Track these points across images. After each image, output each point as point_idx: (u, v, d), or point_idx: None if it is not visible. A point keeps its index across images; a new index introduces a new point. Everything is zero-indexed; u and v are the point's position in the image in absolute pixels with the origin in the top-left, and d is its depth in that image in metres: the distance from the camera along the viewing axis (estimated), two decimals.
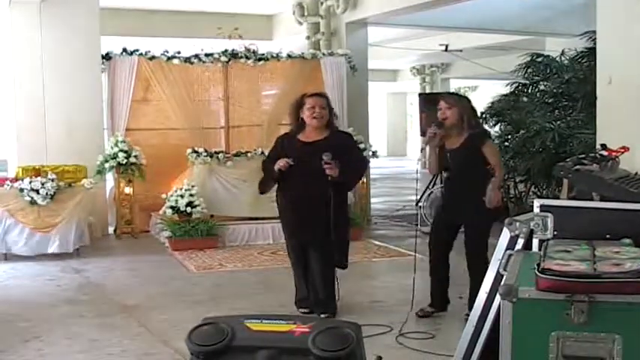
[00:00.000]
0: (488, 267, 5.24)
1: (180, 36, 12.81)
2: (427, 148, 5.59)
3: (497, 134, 10.97)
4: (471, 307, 5.28)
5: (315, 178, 5.24)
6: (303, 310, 5.56)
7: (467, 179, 5.34)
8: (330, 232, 5.31)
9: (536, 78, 11.10)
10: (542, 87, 11.09)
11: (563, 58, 10.96)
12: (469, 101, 5.62)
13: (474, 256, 5.31)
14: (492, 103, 11.28)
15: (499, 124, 10.96)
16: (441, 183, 5.52)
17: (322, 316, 5.34)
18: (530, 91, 11.20)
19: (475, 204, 5.26)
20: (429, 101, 9.62)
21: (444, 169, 5.68)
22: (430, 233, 5.66)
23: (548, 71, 10.96)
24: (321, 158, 5.18)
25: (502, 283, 2.63)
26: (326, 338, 2.28)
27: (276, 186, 5.60)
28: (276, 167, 5.35)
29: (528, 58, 11.10)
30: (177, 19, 13.45)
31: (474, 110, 5.54)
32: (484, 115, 10.97)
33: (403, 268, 7.43)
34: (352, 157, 5.47)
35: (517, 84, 11.31)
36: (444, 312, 5.55)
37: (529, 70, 11.06)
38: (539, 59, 11.10)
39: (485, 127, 10.19)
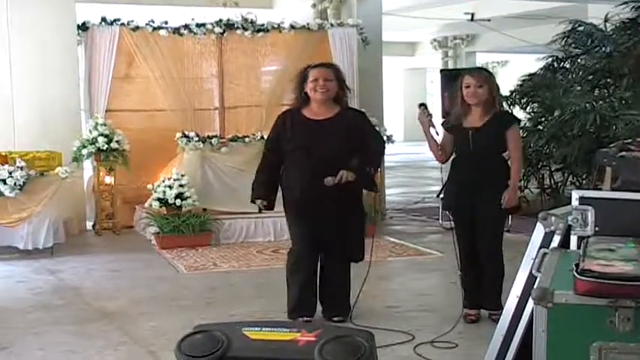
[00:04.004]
0: (503, 260, 5.35)
1: (168, 3, 12.77)
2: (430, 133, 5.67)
3: (528, 116, 10.95)
4: (489, 306, 5.38)
5: (326, 164, 5.26)
6: (302, 320, 5.47)
7: (487, 162, 5.42)
8: (347, 227, 5.36)
9: (575, 51, 11.04)
10: (580, 61, 11.04)
11: (606, 27, 10.88)
12: (494, 77, 5.72)
13: (490, 249, 5.42)
14: (523, 81, 11.24)
15: (530, 105, 10.92)
16: (454, 166, 5.57)
17: (335, 319, 5.42)
18: (566, 66, 11.15)
19: (493, 190, 5.36)
20: (451, 78, 9.58)
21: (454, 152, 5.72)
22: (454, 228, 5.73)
23: (589, 43, 10.90)
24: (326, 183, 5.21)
25: (535, 286, 2.63)
26: (334, 348, 2.28)
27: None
28: (258, 203, 5.50)
29: (569, 27, 11.02)
30: None
31: (499, 87, 5.64)
32: (514, 95, 10.95)
33: (422, 268, 7.45)
34: (367, 141, 5.45)
35: (552, 57, 11.25)
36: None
37: (568, 41, 10.98)
38: (581, 28, 11.01)
39: (508, 107, 10.22)
